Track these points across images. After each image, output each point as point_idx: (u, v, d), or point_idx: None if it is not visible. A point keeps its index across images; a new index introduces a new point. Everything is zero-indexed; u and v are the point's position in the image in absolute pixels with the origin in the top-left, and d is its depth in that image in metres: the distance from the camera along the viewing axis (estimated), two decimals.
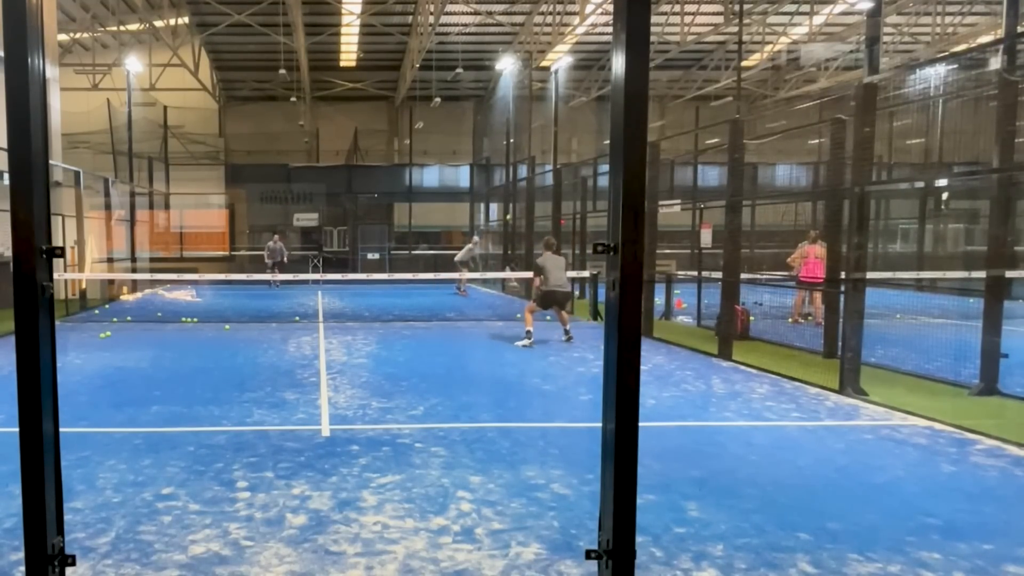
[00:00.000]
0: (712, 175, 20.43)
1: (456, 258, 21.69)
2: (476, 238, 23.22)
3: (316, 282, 22.65)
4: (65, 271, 16.76)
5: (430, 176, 31.71)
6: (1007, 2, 8.32)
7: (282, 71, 25.93)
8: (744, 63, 24.04)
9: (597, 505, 2.93)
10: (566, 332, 11.89)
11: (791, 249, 14.75)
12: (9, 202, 2.54)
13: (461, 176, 31.44)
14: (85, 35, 26.80)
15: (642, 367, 2.71)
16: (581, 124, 27.90)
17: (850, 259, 8.57)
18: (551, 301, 11.84)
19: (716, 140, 19.56)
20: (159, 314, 16.42)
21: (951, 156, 19.16)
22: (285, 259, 24.47)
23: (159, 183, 27.08)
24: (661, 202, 13.62)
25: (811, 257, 13.37)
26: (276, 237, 24.80)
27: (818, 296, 12.97)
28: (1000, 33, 9.17)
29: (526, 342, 11.45)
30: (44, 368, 2.62)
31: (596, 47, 27.12)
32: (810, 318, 13.67)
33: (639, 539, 2.93)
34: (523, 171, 21.71)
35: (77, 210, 18.54)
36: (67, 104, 21.06)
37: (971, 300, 9.11)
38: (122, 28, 26.48)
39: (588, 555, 2.88)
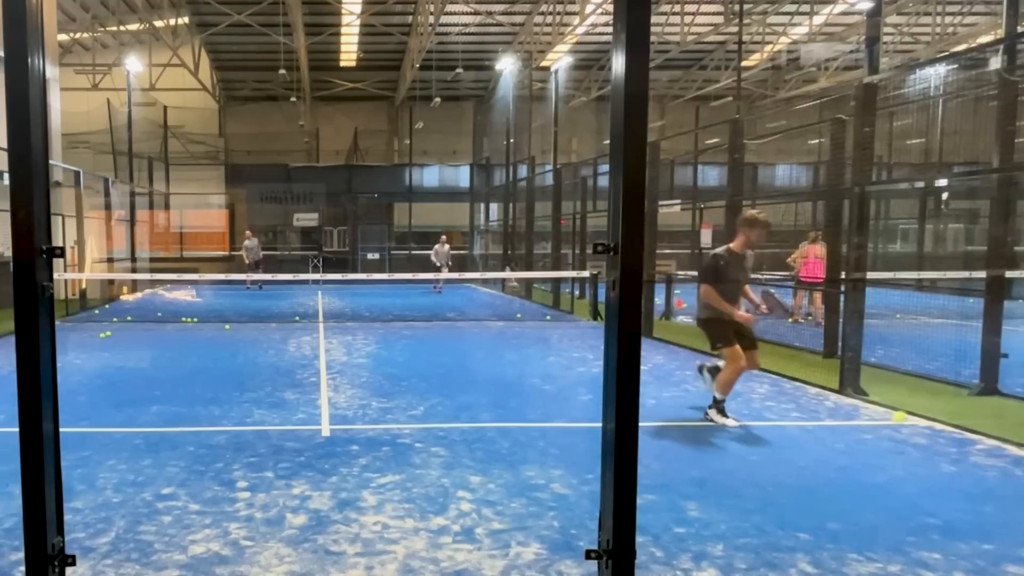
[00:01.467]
0: (712, 175, 20.44)
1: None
2: (443, 237, 23.23)
3: (316, 282, 22.62)
4: (65, 271, 16.75)
5: (430, 176, 31.71)
6: (1007, 2, 8.33)
7: (282, 71, 25.92)
8: (744, 63, 24.01)
9: (597, 505, 2.92)
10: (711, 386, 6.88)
11: (791, 249, 14.76)
12: (9, 202, 2.54)
13: (461, 176, 31.44)
14: (85, 35, 26.81)
15: (642, 367, 2.71)
16: (581, 124, 27.89)
17: (850, 259, 8.57)
18: (736, 335, 6.54)
19: (716, 140, 19.57)
20: (159, 314, 16.42)
21: (951, 156, 19.16)
22: (259, 256, 23.58)
23: (159, 183, 27.09)
24: (661, 202, 13.63)
25: (811, 257, 13.38)
26: (248, 234, 23.75)
27: (818, 296, 12.97)
28: (1000, 33, 9.18)
29: (725, 420, 6.61)
30: (44, 368, 2.62)
31: (596, 47, 27.12)
32: (810, 318, 13.68)
33: (639, 539, 2.93)
34: (523, 171, 21.71)
35: (77, 210, 18.54)
36: (67, 104, 21.07)
37: (971, 300, 9.11)
38: (122, 28, 26.48)
39: (588, 555, 2.87)
